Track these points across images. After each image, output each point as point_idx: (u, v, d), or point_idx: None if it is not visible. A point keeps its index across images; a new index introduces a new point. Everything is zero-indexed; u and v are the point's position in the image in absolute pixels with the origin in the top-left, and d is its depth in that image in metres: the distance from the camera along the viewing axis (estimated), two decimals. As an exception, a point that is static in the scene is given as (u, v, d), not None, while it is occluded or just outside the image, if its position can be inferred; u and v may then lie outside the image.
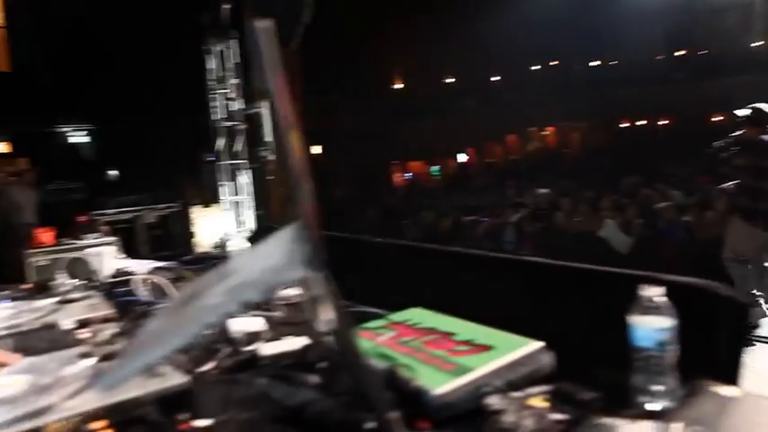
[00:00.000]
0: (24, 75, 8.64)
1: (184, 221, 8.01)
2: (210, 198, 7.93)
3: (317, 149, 10.54)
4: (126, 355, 0.87)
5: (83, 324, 1.40)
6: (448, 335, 1.22)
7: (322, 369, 1.14)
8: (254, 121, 6.78)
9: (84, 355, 1.11)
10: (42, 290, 1.88)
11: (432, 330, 1.25)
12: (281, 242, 0.69)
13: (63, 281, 2.03)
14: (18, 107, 8.84)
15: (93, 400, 0.92)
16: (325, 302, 0.66)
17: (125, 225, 8.18)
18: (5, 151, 9.47)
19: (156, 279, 1.87)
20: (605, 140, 16.14)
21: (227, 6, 6.85)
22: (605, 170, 10.79)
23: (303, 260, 0.59)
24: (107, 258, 2.31)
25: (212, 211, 7.69)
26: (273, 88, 0.60)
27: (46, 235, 6.98)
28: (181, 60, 7.46)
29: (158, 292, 1.85)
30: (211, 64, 7.19)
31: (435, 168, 18.20)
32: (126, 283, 1.96)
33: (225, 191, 7.40)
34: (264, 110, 6.41)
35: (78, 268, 2.18)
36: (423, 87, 17.92)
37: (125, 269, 2.33)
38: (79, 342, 1.25)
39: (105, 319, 1.42)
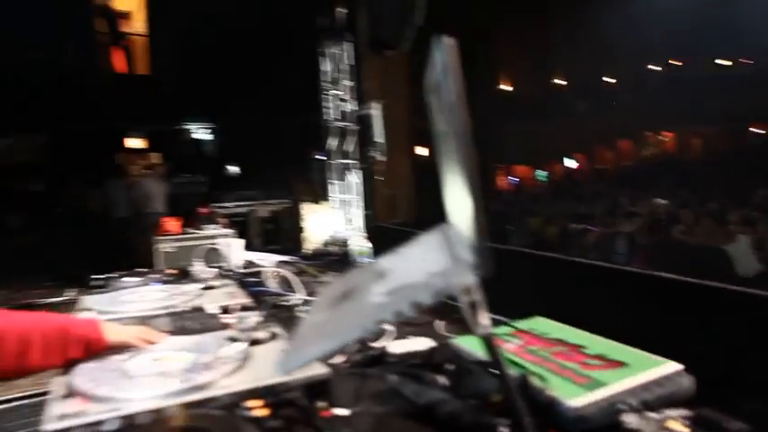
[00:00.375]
0: (160, 77, 9.43)
1: (294, 217, 8.37)
2: (320, 196, 8.23)
3: (424, 151, 10.58)
4: (298, 343, 0.95)
5: (224, 310, 1.52)
6: (577, 347, 1.20)
7: (450, 371, 1.17)
8: (365, 123, 6.95)
9: (233, 339, 1.21)
10: (185, 276, 2.06)
11: (560, 341, 1.24)
12: (438, 245, 0.72)
13: (202, 268, 2.21)
14: (153, 107, 9.69)
15: (247, 380, 1.01)
16: (482, 307, 0.69)
17: (240, 218, 8.72)
18: (141, 147, 10.41)
19: (284, 272, 1.99)
20: (732, 148, 14.88)
21: (343, 11, 7.08)
22: (731, 180, 9.96)
23: (469, 265, 0.62)
24: (236, 250, 2.49)
25: (321, 208, 7.98)
26: (453, 105, 0.62)
27: (172, 224, 7.58)
28: (296, 63, 7.81)
29: (285, 284, 1.97)
30: (326, 66, 7.46)
31: (542, 173, 17.69)
32: (256, 274, 2.11)
33: (334, 189, 7.65)
34: (375, 111, 6.55)
35: (212, 257, 2.36)
36: (530, 88, 17.45)
37: (251, 260, 2.51)
38: (225, 326, 1.36)
39: (244, 307, 1.53)
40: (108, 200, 9.02)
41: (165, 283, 1.94)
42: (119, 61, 9.54)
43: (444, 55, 0.64)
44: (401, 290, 0.69)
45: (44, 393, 2.03)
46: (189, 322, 1.38)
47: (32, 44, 7.76)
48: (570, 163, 18.11)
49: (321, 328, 0.84)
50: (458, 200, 0.77)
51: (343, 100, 7.30)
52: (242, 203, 8.69)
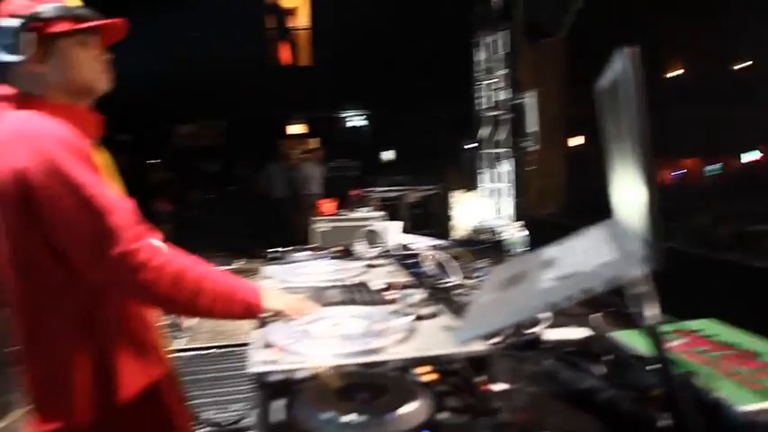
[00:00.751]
0: (321, 68, 10.04)
1: (443, 204, 8.51)
2: (469, 184, 8.27)
3: (579, 140, 10.14)
4: (471, 319, 1.04)
5: (387, 286, 1.65)
6: (752, 353, 1.15)
7: (608, 361, 1.18)
8: (518, 112, 6.85)
9: (399, 313, 1.33)
10: (348, 254, 2.25)
11: (731, 346, 1.19)
12: (607, 238, 0.75)
13: (363, 248, 2.40)
14: (314, 96, 10.35)
15: (415, 349, 1.12)
16: (651, 300, 0.71)
17: (391, 202, 9.05)
18: (302, 132, 11.22)
19: (440, 256, 2.10)
20: None
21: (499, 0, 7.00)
22: None
23: (639, 258, 0.65)
24: (393, 232, 2.64)
25: (470, 196, 8.01)
26: (636, 116, 0.65)
27: (328, 206, 8.10)
28: (451, 52, 7.87)
29: (440, 267, 2.06)
30: (480, 55, 7.45)
31: (713, 167, 15.97)
32: (413, 256, 2.23)
33: (485, 178, 7.64)
34: (529, 100, 6.42)
35: (371, 238, 2.54)
36: (705, 73, 15.75)
37: (407, 243, 2.65)
38: (390, 301, 1.49)
39: (405, 286, 1.65)
40: (269, 181, 9.83)
41: (332, 259, 2.14)
42: (285, 54, 10.32)
43: (627, 62, 0.67)
44: (571, 277, 0.74)
45: (245, 344, 2.36)
46: (357, 295, 1.52)
47: (214, 41, 8.68)
48: (750, 156, 16.12)
49: (492, 306, 0.91)
50: (627, 193, 0.79)
51: (496, 89, 7.26)
52: (393, 188, 8.99)
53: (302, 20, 10.31)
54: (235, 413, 2.57)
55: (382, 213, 8.01)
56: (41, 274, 1.19)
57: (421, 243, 2.59)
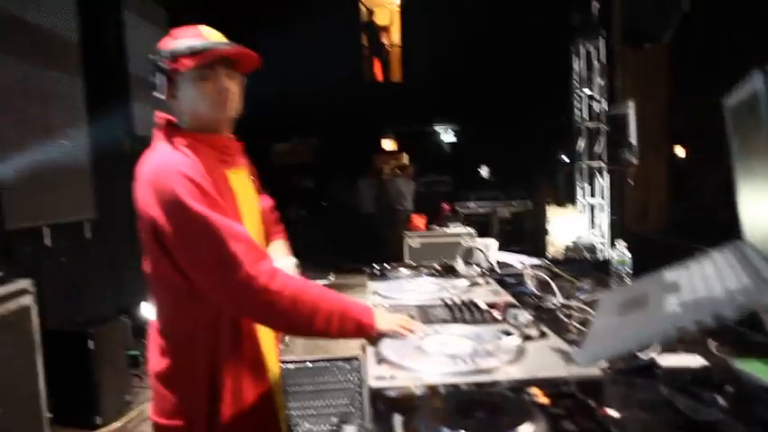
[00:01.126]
0: (412, 84, 10.17)
1: (537, 219, 8.33)
2: (563, 198, 8.04)
3: (680, 151, 9.56)
4: (593, 341, 1.04)
5: (492, 306, 1.66)
6: None
7: (730, 393, 1.13)
8: (617, 123, 6.59)
9: (506, 333, 1.34)
10: (449, 271, 2.28)
11: None
12: (735, 262, 0.74)
13: (461, 266, 2.42)
14: (405, 111, 10.49)
15: (525, 370, 1.13)
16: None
17: (481, 218, 8.98)
18: (393, 148, 11.39)
19: (542, 275, 2.08)
20: None
21: (597, 5, 6.80)
22: None
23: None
24: (492, 250, 2.64)
25: (566, 211, 7.78)
26: None
27: (419, 221, 8.17)
28: (546, 62, 7.72)
29: (542, 286, 2.05)
30: (577, 64, 7.26)
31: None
32: (514, 275, 2.23)
33: (581, 193, 7.40)
34: (629, 110, 6.16)
35: (470, 256, 2.55)
36: None
37: (504, 261, 2.64)
38: (495, 320, 1.50)
39: (508, 305, 1.66)
40: (359, 197, 10.04)
41: (433, 276, 2.18)
42: (378, 71, 10.57)
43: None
44: (700, 302, 0.73)
45: (341, 359, 2.45)
46: (463, 314, 1.55)
47: (310, 60, 9.03)
48: None
49: (614, 330, 0.91)
50: (761, 216, 0.77)
51: (593, 99, 7.04)
52: (484, 203, 8.93)
53: (394, 36, 10.54)
54: (330, 426, 2.65)
55: (473, 229, 7.97)
56: (171, 287, 1.35)
57: (519, 261, 2.57)
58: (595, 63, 7.01)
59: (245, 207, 1.43)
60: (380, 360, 1.21)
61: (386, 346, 1.28)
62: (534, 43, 7.79)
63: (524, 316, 1.37)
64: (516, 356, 1.19)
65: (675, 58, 6.77)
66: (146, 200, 1.29)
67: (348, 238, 8.94)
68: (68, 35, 4.36)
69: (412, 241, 7.85)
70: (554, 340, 1.33)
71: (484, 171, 8.77)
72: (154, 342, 1.41)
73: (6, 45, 3.61)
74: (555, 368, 1.12)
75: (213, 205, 1.27)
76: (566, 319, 1.69)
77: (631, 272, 2.12)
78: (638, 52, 6.66)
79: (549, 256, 7.31)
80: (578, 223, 7.43)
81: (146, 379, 4.29)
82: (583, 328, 1.53)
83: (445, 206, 8.53)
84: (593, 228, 7.23)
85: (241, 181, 1.46)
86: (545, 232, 7.71)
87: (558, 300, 1.89)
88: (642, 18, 6.30)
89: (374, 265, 2.44)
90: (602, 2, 6.71)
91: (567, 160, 8.36)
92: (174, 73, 1.36)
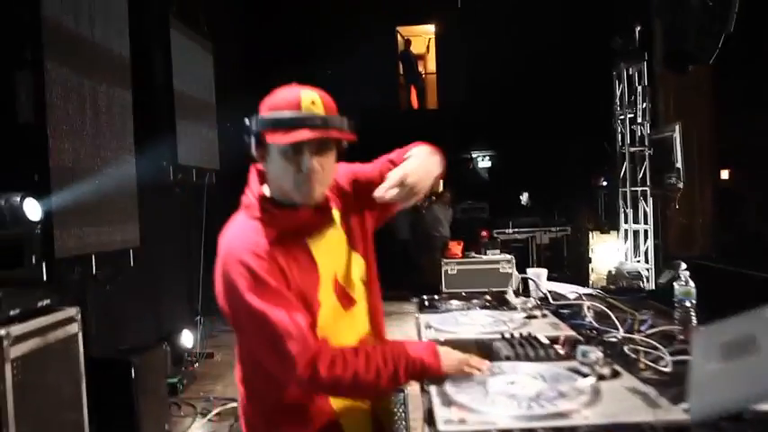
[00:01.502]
0: (447, 111, 10.18)
1: (577, 246, 8.14)
2: (603, 224, 7.85)
3: (724, 173, 9.28)
4: (701, 391, 0.97)
5: (552, 341, 1.58)
6: None
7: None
8: (659, 147, 6.44)
9: (575, 371, 1.26)
10: (501, 302, 2.20)
11: None
12: None
13: (512, 296, 2.34)
14: (441, 137, 10.46)
15: (603, 414, 1.05)
16: None
17: (519, 244, 8.82)
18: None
19: (600, 306, 1.99)
20: None
21: (639, 28, 6.70)
22: None
23: None
24: (542, 279, 2.55)
25: (607, 237, 7.59)
26: None
27: (456, 247, 8.07)
28: (587, 85, 7.62)
29: (599, 318, 1.95)
30: (618, 88, 7.15)
31: None
32: (569, 306, 2.13)
33: (624, 218, 7.22)
34: (674, 134, 6.01)
35: (524, 285, 2.47)
36: None
37: (555, 291, 2.54)
38: (560, 357, 1.42)
39: (571, 340, 1.57)
40: (394, 223, 9.97)
41: (486, 308, 2.10)
42: (414, 99, 10.62)
43: None
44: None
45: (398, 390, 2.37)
46: (526, 350, 1.47)
47: (351, 90, 9.13)
48: None
49: (724, 378, 0.83)
50: None
51: (636, 123, 6.90)
52: (522, 230, 8.77)
53: (430, 64, 10.61)
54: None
55: (511, 256, 7.83)
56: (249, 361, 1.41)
57: (571, 291, 2.47)
58: (638, 87, 6.89)
59: (329, 270, 1.38)
60: (448, 402, 1.14)
61: (452, 387, 1.21)
62: (574, 67, 7.72)
63: (595, 353, 1.29)
64: (592, 398, 1.11)
65: (719, 80, 6.62)
66: (218, 286, 1.31)
67: (383, 265, 8.87)
68: (120, 52, 4.44)
69: (449, 267, 7.76)
70: (629, 380, 1.25)
71: (524, 197, 8.63)
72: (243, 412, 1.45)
73: (63, 59, 3.71)
74: (637, 412, 1.04)
75: (275, 296, 1.24)
76: (632, 355, 1.60)
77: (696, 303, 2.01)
78: (681, 75, 6.53)
79: (592, 283, 7.12)
80: (620, 249, 7.23)
81: (183, 407, 4.30)
82: (655, 366, 1.44)
83: (483, 232, 8.42)
84: (639, 254, 7.02)
85: (327, 244, 1.39)
86: (588, 260, 7.52)
87: (620, 333, 1.79)
88: (685, 40, 6.19)
89: (423, 296, 2.38)
90: (644, 25, 6.62)
91: (605, 184, 8.19)
92: (263, 138, 1.30)
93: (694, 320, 1.96)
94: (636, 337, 1.76)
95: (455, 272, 8.02)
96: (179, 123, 5.44)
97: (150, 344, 4.15)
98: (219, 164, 6.46)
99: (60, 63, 3.68)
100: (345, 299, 1.41)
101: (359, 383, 1.25)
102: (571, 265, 8.19)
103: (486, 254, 7.87)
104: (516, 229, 8.84)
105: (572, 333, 1.70)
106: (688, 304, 1.98)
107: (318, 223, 1.38)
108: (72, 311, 3.02)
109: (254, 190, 1.38)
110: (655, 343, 1.64)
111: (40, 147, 3.47)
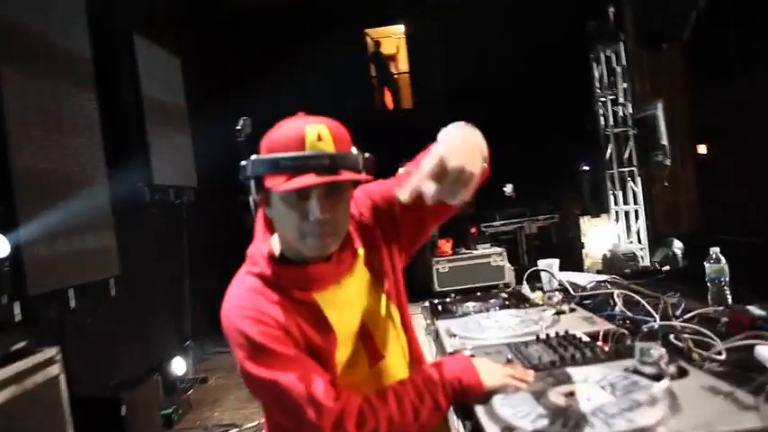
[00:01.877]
0: (423, 108, 10.04)
1: (564, 232, 8.05)
2: (591, 208, 7.78)
3: (701, 148, 9.30)
4: None
5: (592, 337, 1.42)
6: None
7: None
8: (642, 127, 6.38)
9: (637, 371, 1.10)
10: (520, 299, 2.04)
11: None
12: None
13: (528, 290, 2.18)
14: (418, 136, 10.32)
15: (696, 424, 0.89)
16: None
17: (508, 236, 8.69)
18: (410, 174, 11.21)
19: (629, 294, 1.83)
20: None
21: (612, 10, 6.64)
22: None
23: None
24: (555, 271, 2.40)
25: (597, 221, 7.53)
26: None
27: (446, 245, 7.95)
28: (564, 71, 7.54)
29: (628, 306, 1.80)
30: (597, 70, 7.09)
31: None
32: (593, 297, 1.98)
33: (614, 200, 7.15)
34: (660, 112, 5.93)
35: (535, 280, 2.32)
36: None
37: (571, 281, 2.38)
38: (609, 356, 1.26)
39: (614, 334, 1.41)
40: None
41: (507, 307, 1.93)
42: (388, 100, 10.48)
43: None
44: None
45: None
46: (568, 351, 1.30)
47: (323, 94, 8.96)
48: None
49: None
50: None
51: (618, 104, 6.84)
52: (509, 221, 8.65)
53: (402, 64, 10.47)
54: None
55: (502, 249, 7.71)
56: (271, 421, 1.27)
57: (589, 279, 2.32)
58: (617, 68, 6.83)
59: (348, 325, 1.19)
60: (503, 428, 0.96)
61: (501, 405, 1.04)
62: (551, 55, 7.63)
63: (657, 350, 1.12)
64: (672, 405, 0.95)
65: (692, 57, 6.60)
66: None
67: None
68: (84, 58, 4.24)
69: (440, 266, 7.63)
70: (700, 377, 1.08)
71: (508, 188, 8.51)
72: None
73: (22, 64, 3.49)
74: (736, 418, 0.88)
75: (281, 361, 1.08)
76: (680, 344, 1.44)
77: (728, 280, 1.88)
78: (657, 52, 6.49)
79: (587, 268, 7.03)
80: (611, 231, 7.16)
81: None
82: (709, 355, 1.29)
83: (472, 229, 8.31)
84: (631, 234, 6.96)
85: (344, 294, 1.20)
86: (581, 245, 7.43)
87: (657, 322, 1.64)
88: (657, 19, 6.15)
89: (434, 300, 2.21)
90: (617, 6, 6.57)
91: (588, 168, 8.12)
92: (263, 182, 1.10)
93: (729, 299, 1.83)
94: (676, 324, 1.61)
95: (446, 270, 7.92)
96: (151, 142, 5.20)
97: (140, 376, 3.95)
98: (197, 180, 6.22)
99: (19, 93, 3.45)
100: (372, 354, 1.22)
101: (398, 426, 1.08)
102: (562, 252, 8.10)
103: (476, 249, 7.77)
104: (503, 221, 8.71)
105: (611, 326, 1.54)
106: (722, 282, 1.85)
107: (335, 273, 1.18)
108: (51, 352, 2.81)
109: (260, 243, 1.19)
110: (700, 329, 1.48)
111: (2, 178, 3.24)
